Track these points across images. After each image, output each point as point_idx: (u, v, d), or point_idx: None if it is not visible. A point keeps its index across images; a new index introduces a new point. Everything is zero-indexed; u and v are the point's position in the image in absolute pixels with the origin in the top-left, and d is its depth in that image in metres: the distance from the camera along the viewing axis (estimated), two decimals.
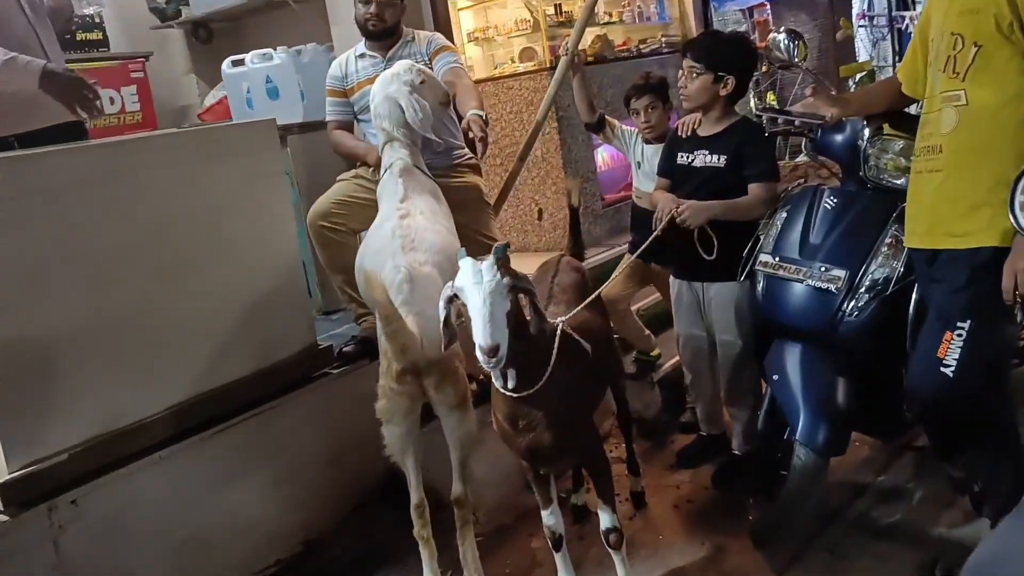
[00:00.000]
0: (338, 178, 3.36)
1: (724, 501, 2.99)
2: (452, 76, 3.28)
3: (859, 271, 2.47)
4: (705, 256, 2.75)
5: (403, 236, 2.65)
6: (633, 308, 3.67)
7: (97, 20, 4.30)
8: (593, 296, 2.51)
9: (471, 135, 3.02)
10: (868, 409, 2.59)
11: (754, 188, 2.77)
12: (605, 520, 2.36)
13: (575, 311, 2.36)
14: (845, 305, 2.47)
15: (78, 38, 4.23)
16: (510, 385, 2.09)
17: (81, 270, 2.37)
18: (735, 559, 2.65)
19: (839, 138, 2.65)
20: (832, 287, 2.47)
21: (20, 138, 2.79)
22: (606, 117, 3.53)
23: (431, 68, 3.31)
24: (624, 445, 3.08)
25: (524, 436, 2.23)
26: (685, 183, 2.91)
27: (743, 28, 7.10)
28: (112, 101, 4.04)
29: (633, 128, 3.44)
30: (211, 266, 2.65)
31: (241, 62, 3.93)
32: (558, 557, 2.47)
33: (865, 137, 2.56)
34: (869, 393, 2.56)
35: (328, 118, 3.49)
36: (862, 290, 2.47)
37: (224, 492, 2.66)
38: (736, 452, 3.08)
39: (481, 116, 3.00)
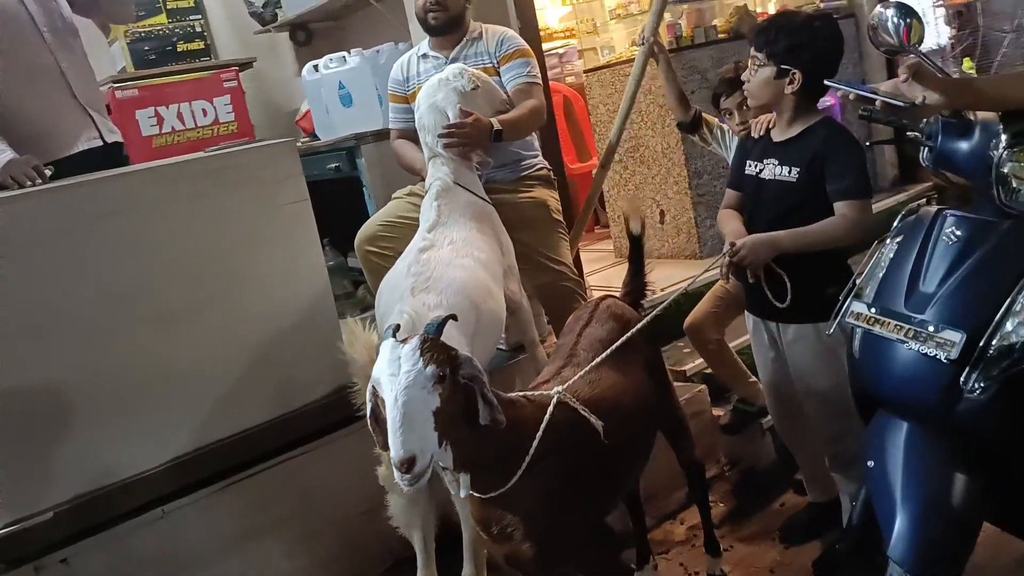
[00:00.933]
0: (394, 195, 3.06)
1: None
2: (519, 95, 2.87)
3: (985, 332, 1.83)
4: (777, 304, 2.20)
5: (417, 275, 2.31)
6: (733, 345, 3.09)
7: (199, 29, 4.27)
8: (616, 345, 2.02)
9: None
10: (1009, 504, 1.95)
11: (840, 208, 2.19)
12: None
13: (573, 379, 1.89)
14: (966, 377, 1.84)
15: (179, 49, 4.21)
16: (462, 492, 1.69)
17: (74, 315, 2.21)
18: None
19: (965, 145, 1.98)
20: (942, 355, 1.84)
21: (55, 164, 2.69)
22: (704, 115, 2.98)
23: (499, 75, 2.92)
24: (701, 518, 2.58)
25: (500, 545, 1.83)
26: (754, 199, 2.38)
27: None
28: (205, 113, 3.99)
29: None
30: (224, 306, 2.43)
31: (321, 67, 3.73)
32: None
33: (1001, 145, 1.88)
34: (1008, 487, 1.92)
35: (391, 126, 3.19)
36: (990, 357, 1.82)
37: (241, 549, 2.46)
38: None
39: (492, 124, 2.60)
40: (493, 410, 1.60)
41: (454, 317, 1.71)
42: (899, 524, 1.86)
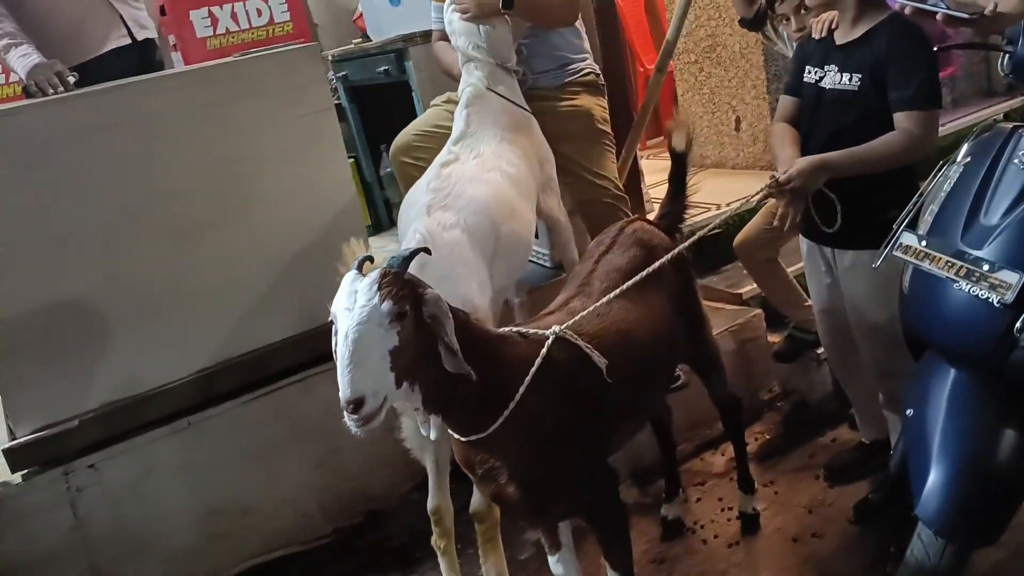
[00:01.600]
0: (432, 103, 2.91)
1: (862, 544, 2.26)
2: None
3: None
4: (826, 229, 1.98)
5: (436, 191, 2.19)
6: (790, 271, 2.85)
7: None
8: (634, 280, 1.84)
9: None
10: None
11: (900, 120, 1.93)
12: None
13: (576, 316, 1.75)
14: (1022, 324, 1.61)
15: None
16: (431, 435, 1.60)
17: (90, 229, 2.22)
18: None
19: None
20: (996, 298, 1.61)
21: (81, 68, 2.65)
22: (771, 11, 2.67)
23: None
24: (735, 455, 2.44)
25: (485, 485, 1.74)
26: (813, 112, 2.12)
27: None
28: (259, 13, 3.88)
29: None
30: (243, 220, 2.39)
31: None
32: None
33: None
34: None
35: (432, 27, 3.00)
36: None
37: (266, 460, 2.49)
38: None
39: None
40: (456, 359, 1.47)
41: (427, 251, 1.58)
42: (932, 480, 1.70)
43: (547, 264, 3.10)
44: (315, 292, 2.47)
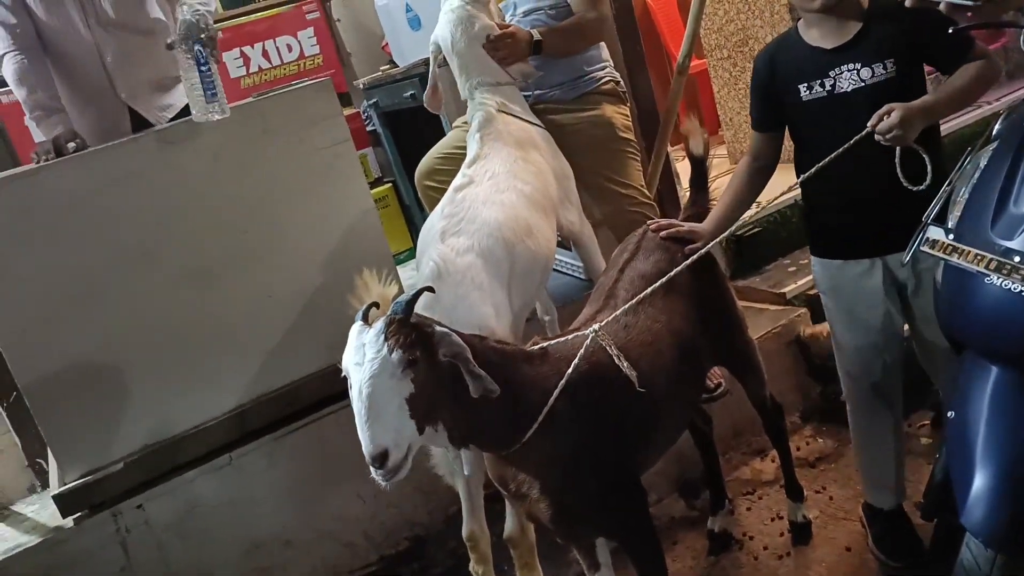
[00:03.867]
0: (453, 124, 2.91)
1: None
2: (581, 4, 2.60)
3: None
4: (912, 188, 1.78)
5: (449, 216, 2.18)
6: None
7: None
8: (656, 286, 1.80)
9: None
10: None
11: (968, 63, 1.79)
12: None
13: (601, 323, 1.71)
14: None
15: None
16: (465, 471, 1.58)
17: (125, 276, 2.27)
18: None
19: None
20: None
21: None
22: None
23: None
24: (780, 461, 2.36)
25: (519, 501, 1.72)
26: (817, 125, 1.93)
27: None
28: (290, 48, 3.96)
29: None
30: (265, 257, 2.42)
31: None
32: None
33: None
34: None
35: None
36: None
37: (305, 493, 2.51)
38: None
39: (531, 35, 2.36)
40: (484, 382, 1.46)
41: (431, 289, 1.57)
42: (976, 486, 1.60)
43: (582, 276, 3.06)
44: (343, 322, 2.50)
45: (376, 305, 1.64)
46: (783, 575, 2.22)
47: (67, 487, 2.25)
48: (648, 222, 2.14)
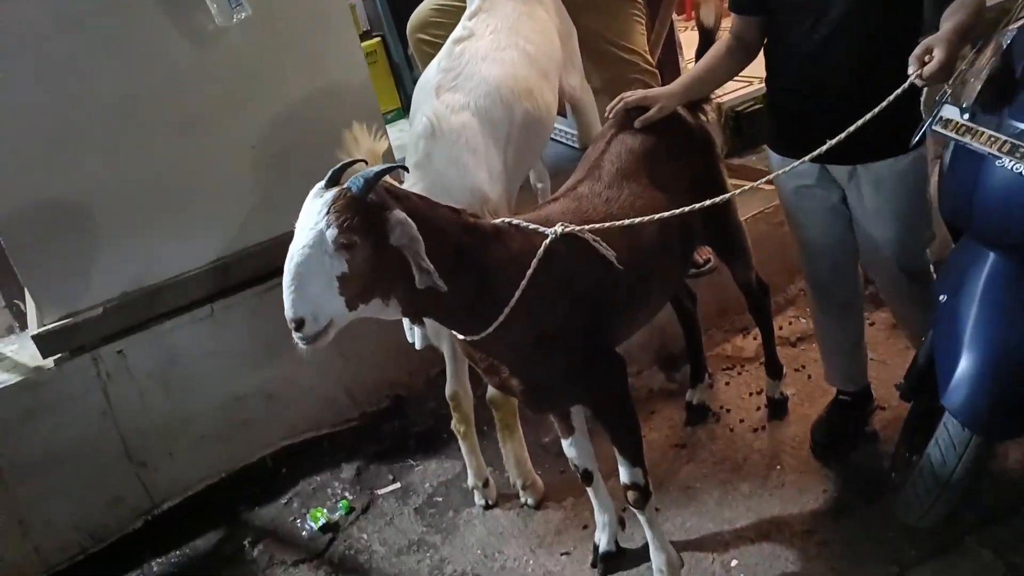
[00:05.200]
0: None
1: (892, 431, 2.20)
2: None
3: None
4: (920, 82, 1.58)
5: (446, 71, 2.08)
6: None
7: None
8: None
9: None
10: None
11: None
12: (623, 473, 1.80)
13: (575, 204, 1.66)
14: None
15: None
16: (418, 343, 1.55)
17: (106, 120, 2.17)
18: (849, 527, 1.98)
19: None
20: None
21: None
22: None
23: None
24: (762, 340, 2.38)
25: (489, 377, 1.71)
26: (804, 15, 1.78)
27: None
28: None
29: None
30: (255, 109, 2.32)
31: None
32: (589, 492, 1.99)
33: None
34: None
35: None
36: None
37: (288, 348, 2.47)
38: None
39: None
40: (431, 277, 1.41)
41: (404, 167, 1.49)
42: (961, 369, 1.62)
43: (575, 145, 2.98)
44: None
45: (366, 162, 1.58)
46: (757, 448, 2.28)
47: (46, 328, 2.23)
48: (624, 96, 1.95)
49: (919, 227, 1.93)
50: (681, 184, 1.86)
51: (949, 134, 1.63)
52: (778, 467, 2.20)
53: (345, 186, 1.39)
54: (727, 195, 1.79)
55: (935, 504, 1.74)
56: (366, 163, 1.54)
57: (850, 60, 1.77)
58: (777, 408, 2.37)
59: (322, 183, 1.42)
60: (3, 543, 2.29)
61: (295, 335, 1.39)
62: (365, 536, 2.32)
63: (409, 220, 1.39)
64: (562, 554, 2.12)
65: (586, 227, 1.61)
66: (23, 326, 2.49)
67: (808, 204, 2.00)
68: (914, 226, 1.92)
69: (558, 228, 1.57)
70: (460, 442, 2.25)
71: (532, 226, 1.59)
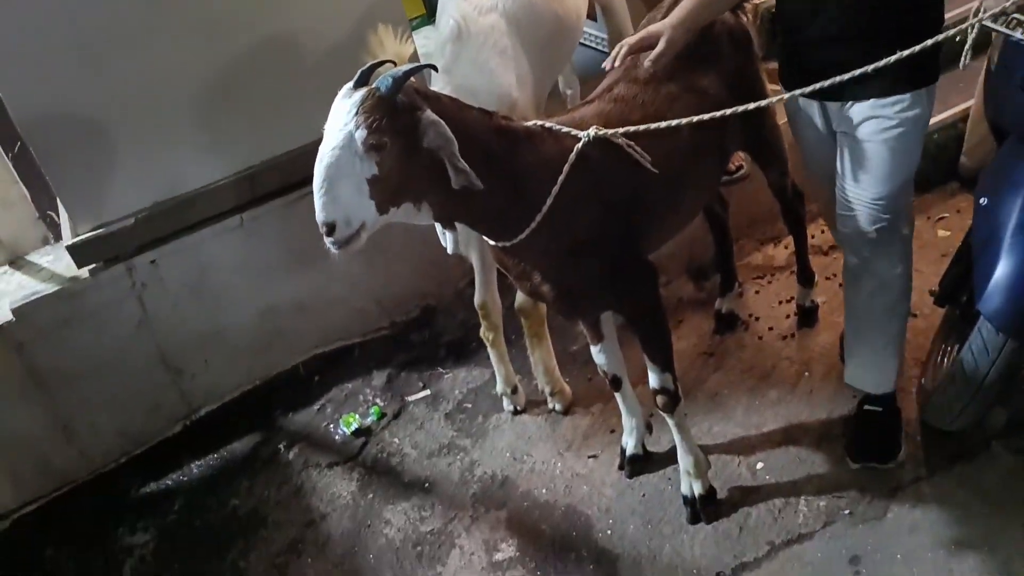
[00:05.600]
0: None
1: (923, 337, 2.18)
2: None
3: None
4: None
5: None
6: None
7: None
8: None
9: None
10: None
11: None
12: (652, 378, 1.81)
13: (621, 129, 1.56)
14: None
15: None
16: (449, 248, 1.53)
17: (132, 24, 2.13)
18: None
19: None
20: None
21: None
22: None
23: None
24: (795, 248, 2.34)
25: (521, 283, 1.71)
26: None
27: None
28: None
29: None
30: (278, 14, 2.26)
31: None
32: (618, 397, 2.01)
33: None
34: None
35: None
36: None
37: (318, 259, 2.49)
38: None
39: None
40: (468, 176, 1.39)
41: (433, 67, 1.45)
42: (999, 273, 1.60)
43: (606, 50, 2.90)
44: None
45: (394, 63, 1.54)
46: (786, 355, 2.28)
47: (80, 238, 2.25)
48: (623, 43, 1.72)
49: (905, 189, 1.72)
50: (719, 86, 1.81)
51: (1000, 28, 1.56)
52: (806, 374, 2.20)
53: (374, 86, 1.36)
54: (765, 101, 1.67)
55: (965, 409, 1.75)
56: (394, 63, 1.51)
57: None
58: (807, 316, 2.36)
59: (351, 83, 1.40)
60: (50, 448, 2.38)
61: (326, 239, 1.39)
62: (397, 440, 2.38)
63: (441, 120, 1.37)
64: (589, 457, 2.16)
65: (619, 131, 1.57)
66: (57, 237, 2.52)
67: (807, 133, 1.84)
68: (900, 187, 1.70)
69: (591, 131, 1.53)
70: (489, 350, 2.27)
71: (565, 129, 1.55)
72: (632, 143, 1.58)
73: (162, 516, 2.35)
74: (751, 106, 1.59)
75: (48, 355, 2.30)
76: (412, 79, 1.39)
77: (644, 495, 2.03)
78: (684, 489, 1.93)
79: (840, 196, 1.77)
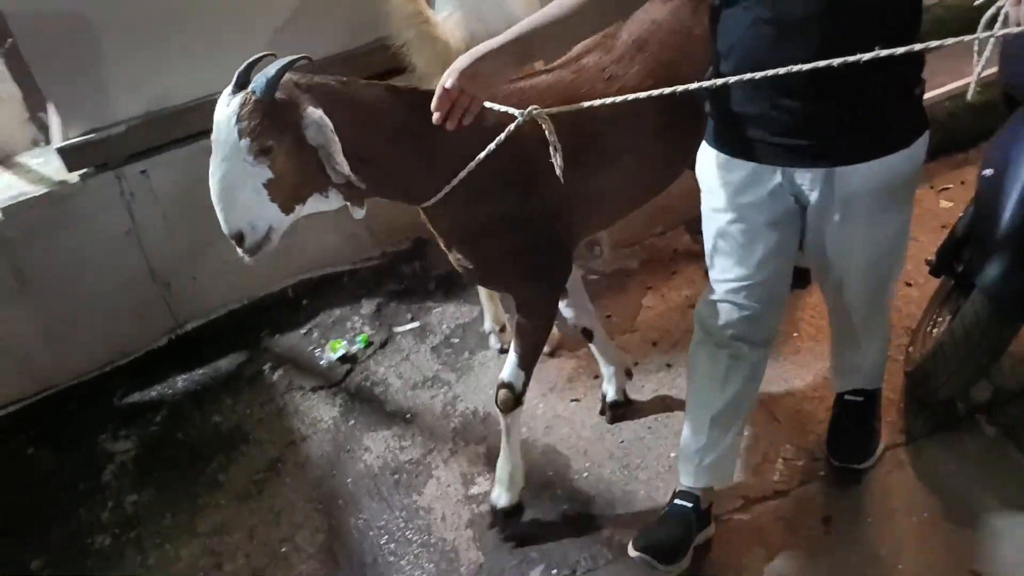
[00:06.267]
0: None
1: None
2: None
3: None
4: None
5: None
6: None
7: None
8: None
9: None
10: None
11: None
12: (506, 370, 1.75)
13: (557, 108, 1.35)
14: None
15: None
16: (355, 215, 1.47)
17: None
18: None
19: None
20: None
21: None
22: None
23: None
24: None
25: (449, 251, 1.68)
26: None
27: None
28: None
29: None
30: None
31: None
32: (592, 348, 2.01)
33: None
34: None
35: None
36: None
37: None
38: None
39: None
40: (346, 177, 1.35)
41: (307, 58, 1.35)
42: (998, 245, 1.58)
43: None
44: (354, 6, 2.33)
45: (274, 56, 1.37)
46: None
47: (70, 141, 2.20)
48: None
49: (899, 253, 1.57)
50: (705, 63, 1.56)
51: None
52: (795, 334, 2.20)
53: (249, 89, 1.30)
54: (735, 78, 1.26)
55: (952, 378, 1.76)
56: (274, 56, 1.38)
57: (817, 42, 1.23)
58: (800, 277, 2.34)
59: (229, 87, 1.32)
60: (33, 349, 2.37)
61: (239, 250, 1.36)
62: (382, 369, 2.38)
63: (324, 118, 1.31)
64: (572, 400, 2.17)
65: (561, 108, 1.35)
66: (47, 140, 2.47)
67: (749, 216, 1.47)
68: (891, 252, 1.54)
69: (529, 111, 1.33)
70: (478, 287, 2.25)
71: (499, 107, 1.38)
72: (554, 136, 1.33)
73: (145, 426, 2.36)
74: (692, 86, 1.29)
75: (34, 256, 2.28)
76: (288, 74, 1.33)
77: (623, 441, 2.04)
78: (492, 497, 1.89)
79: (828, 290, 1.64)
